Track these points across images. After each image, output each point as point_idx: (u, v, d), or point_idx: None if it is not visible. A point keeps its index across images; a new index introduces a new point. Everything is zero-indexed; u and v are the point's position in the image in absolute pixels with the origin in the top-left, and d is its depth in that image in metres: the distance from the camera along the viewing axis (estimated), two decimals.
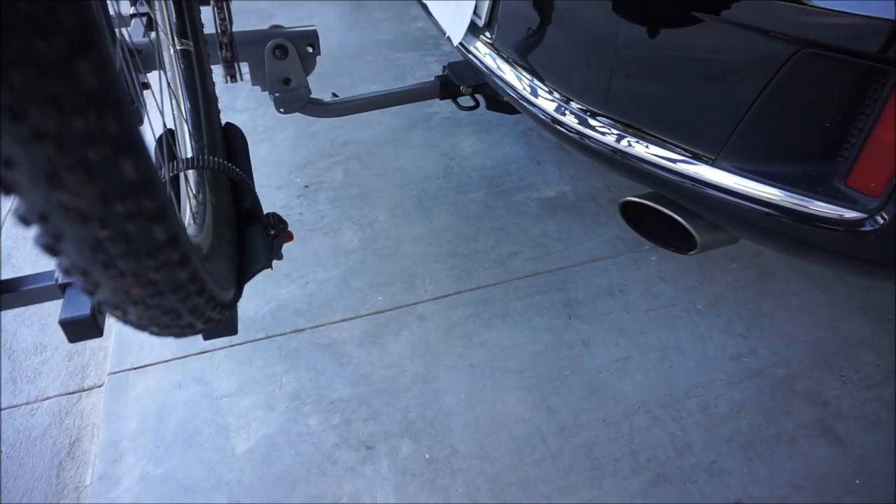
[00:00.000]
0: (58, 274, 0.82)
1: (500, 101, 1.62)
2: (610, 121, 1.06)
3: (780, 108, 0.86)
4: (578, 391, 1.26)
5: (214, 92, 1.03)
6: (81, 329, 0.76)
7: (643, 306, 1.44)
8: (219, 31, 1.07)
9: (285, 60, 1.40)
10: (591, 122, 1.05)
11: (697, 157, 0.97)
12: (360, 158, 1.96)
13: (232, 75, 1.11)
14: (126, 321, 0.46)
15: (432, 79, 1.63)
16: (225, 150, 0.98)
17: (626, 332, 1.38)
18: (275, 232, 0.89)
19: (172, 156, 0.84)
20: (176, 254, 0.39)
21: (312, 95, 1.48)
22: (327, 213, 1.73)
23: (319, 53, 1.44)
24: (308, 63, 1.43)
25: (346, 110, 1.55)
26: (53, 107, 0.27)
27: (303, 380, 1.31)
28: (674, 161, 0.99)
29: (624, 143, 1.02)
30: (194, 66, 0.97)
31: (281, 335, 1.40)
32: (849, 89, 0.81)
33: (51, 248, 0.35)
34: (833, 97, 0.82)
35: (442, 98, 1.64)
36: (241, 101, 2.35)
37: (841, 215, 0.88)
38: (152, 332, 0.50)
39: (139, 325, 0.47)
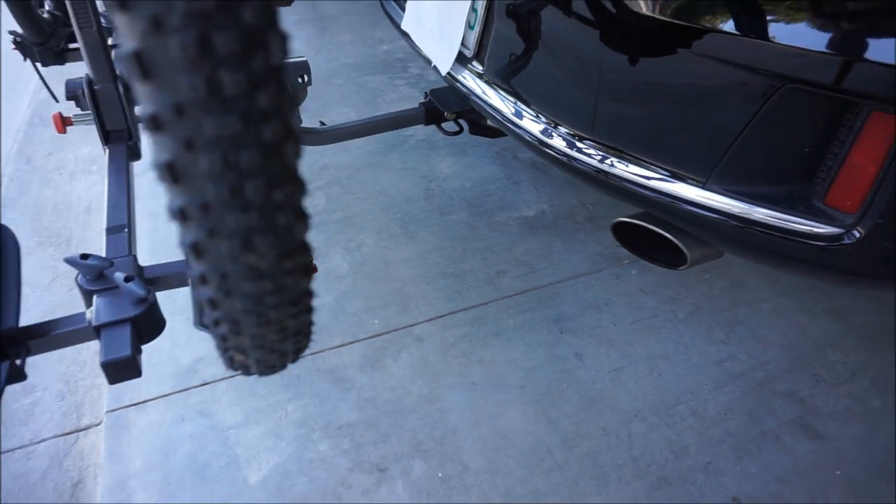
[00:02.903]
0: (89, 316, 0.82)
1: (483, 125, 1.68)
2: (605, 148, 1.14)
3: (765, 136, 0.95)
4: (577, 403, 1.32)
5: None
6: (123, 370, 0.77)
7: (628, 318, 1.52)
8: None
9: None
10: (581, 145, 1.13)
11: (689, 181, 1.05)
12: (341, 183, 1.98)
13: None
14: (235, 365, 0.49)
15: (417, 105, 1.68)
16: None
17: (616, 344, 1.45)
18: None
19: None
20: (310, 301, 0.43)
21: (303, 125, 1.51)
22: (313, 239, 1.73)
23: (310, 84, 1.47)
24: (299, 93, 1.45)
25: (337, 137, 1.58)
26: (265, 181, 0.31)
27: (308, 406, 1.32)
28: (668, 184, 1.07)
29: (624, 168, 1.10)
30: None
31: None
32: (826, 119, 0.90)
33: (215, 302, 0.38)
34: (812, 126, 0.92)
35: (427, 124, 1.69)
36: None
37: (821, 231, 0.97)
38: (246, 372, 0.53)
39: (245, 367, 0.50)
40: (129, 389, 1.35)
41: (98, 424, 1.33)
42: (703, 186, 1.04)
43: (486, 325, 1.49)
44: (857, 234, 0.94)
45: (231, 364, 0.51)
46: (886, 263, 0.98)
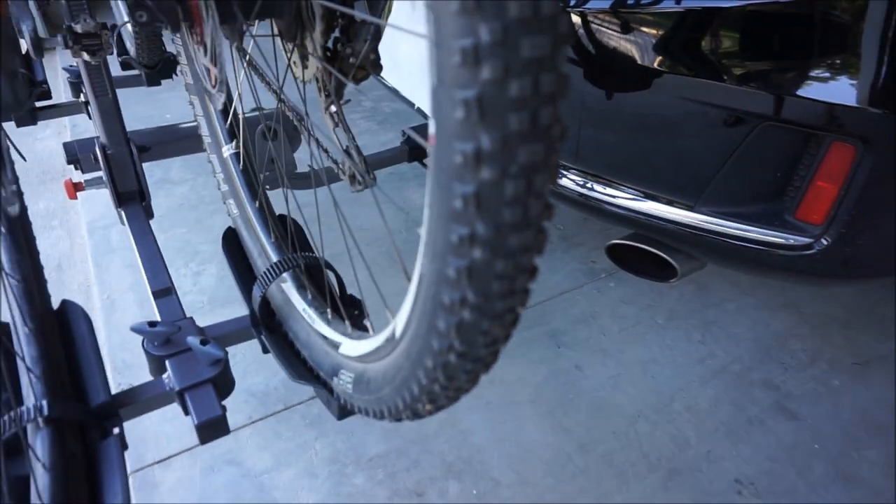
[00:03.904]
0: (168, 381, 0.86)
1: None
2: (597, 178, 1.27)
3: (745, 165, 1.11)
4: (585, 411, 1.44)
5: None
6: (215, 429, 0.82)
7: (615, 328, 1.66)
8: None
9: (274, 141, 1.47)
10: (604, 188, 1.25)
11: (680, 205, 1.19)
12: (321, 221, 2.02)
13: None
14: (415, 415, 0.56)
15: (398, 144, 1.77)
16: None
17: (609, 353, 1.58)
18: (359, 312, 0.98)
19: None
20: (505, 345, 0.51)
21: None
22: None
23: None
24: (295, 141, 1.51)
25: (329, 180, 1.63)
26: (543, 203, 0.38)
27: (336, 443, 1.37)
28: (660, 208, 1.21)
29: (630, 200, 1.23)
30: (248, 169, 1.04)
31: (300, 404, 1.45)
32: (796, 149, 1.07)
33: (466, 329, 0.44)
34: (784, 155, 1.08)
35: (410, 161, 1.77)
36: (175, 173, 2.32)
37: (794, 241, 1.14)
38: (399, 420, 0.60)
39: (418, 414, 0.57)
40: (150, 447, 1.35)
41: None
42: (693, 209, 1.19)
43: None
44: (825, 242, 1.11)
45: (399, 414, 0.58)
46: (847, 265, 1.15)
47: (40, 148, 2.53)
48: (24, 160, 1.85)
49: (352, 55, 0.68)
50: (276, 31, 0.72)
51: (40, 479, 0.65)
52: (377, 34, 0.68)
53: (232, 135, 1.06)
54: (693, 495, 1.27)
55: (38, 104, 1.71)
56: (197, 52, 0.67)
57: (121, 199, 1.21)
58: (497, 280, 0.41)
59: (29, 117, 1.59)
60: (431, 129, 0.39)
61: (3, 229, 0.81)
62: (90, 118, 1.62)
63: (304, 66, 0.71)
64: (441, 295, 0.43)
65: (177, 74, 1.91)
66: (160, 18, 0.59)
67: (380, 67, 0.72)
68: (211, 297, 1.79)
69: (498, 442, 1.37)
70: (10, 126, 2.45)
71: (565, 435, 1.39)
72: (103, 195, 2.04)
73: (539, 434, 1.39)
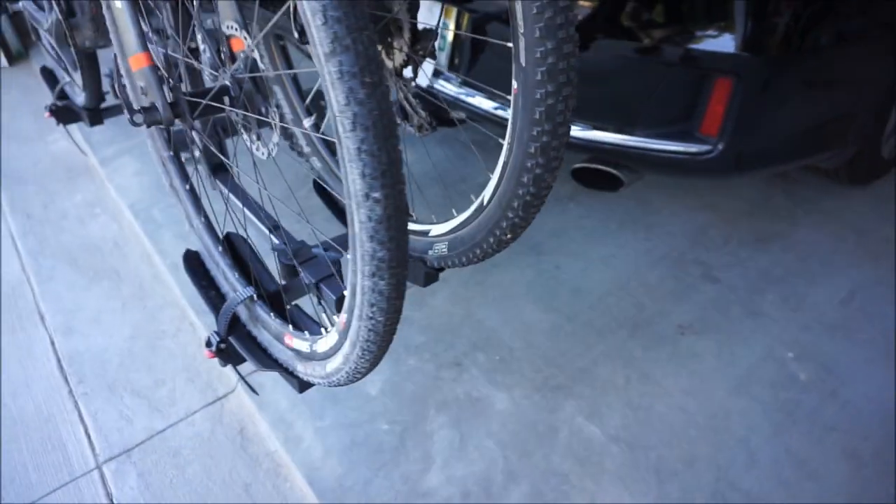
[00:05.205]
0: (305, 278, 1.28)
1: (446, 118, 2.21)
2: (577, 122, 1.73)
3: (664, 98, 1.59)
4: (567, 295, 1.93)
5: None
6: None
7: (579, 237, 2.15)
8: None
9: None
10: None
11: (623, 132, 1.67)
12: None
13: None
14: (498, 247, 1.01)
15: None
16: None
17: (577, 254, 2.08)
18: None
19: None
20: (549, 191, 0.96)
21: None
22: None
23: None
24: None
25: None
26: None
27: None
28: (611, 136, 1.69)
29: (585, 132, 1.70)
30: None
31: None
32: (696, 84, 1.55)
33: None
34: (690, 88, 1.57)
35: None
36: None
37: (700, 149, 1.64)
38: (484, 258, 1.05)
39: (501, 245, 1.02)
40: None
41: (233, 391, 1.73)
42: (632, 134, 1.67)
43: (487, 261, 2.05)
44: (720, 148, 1.61)
45: (486, 250, 1.02)
46: (737, 162, 1.67)
47: (56, 149, 2.79)
48: (85, 155, 2.17)
49: (420, 50, 1.11)
50: None
51: (263, 336, 1.06)
52: (435, 35, 1.11)
53: (309, 112, 1.46)
54: (651, 338, 1.79)
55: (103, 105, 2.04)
56: None
57: (214, 170, 1.59)
58: (552, 150, 0.86)
59: (99, 117, 1.92)
60: (515, 84, 0.83)
61: (188, 187, 1.18)
62: None
63: (391, 58, 1.13)
64: (526, 162, 0.88)
65: None
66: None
67: (435, 55, 1.15)
68: None
69: (506, 323, 1.85)
70: (20, 133, 2.77)
71: (555, 312, 1.88)
72: (130, 183, 2.39)
73: (535, 314, 1.87)
